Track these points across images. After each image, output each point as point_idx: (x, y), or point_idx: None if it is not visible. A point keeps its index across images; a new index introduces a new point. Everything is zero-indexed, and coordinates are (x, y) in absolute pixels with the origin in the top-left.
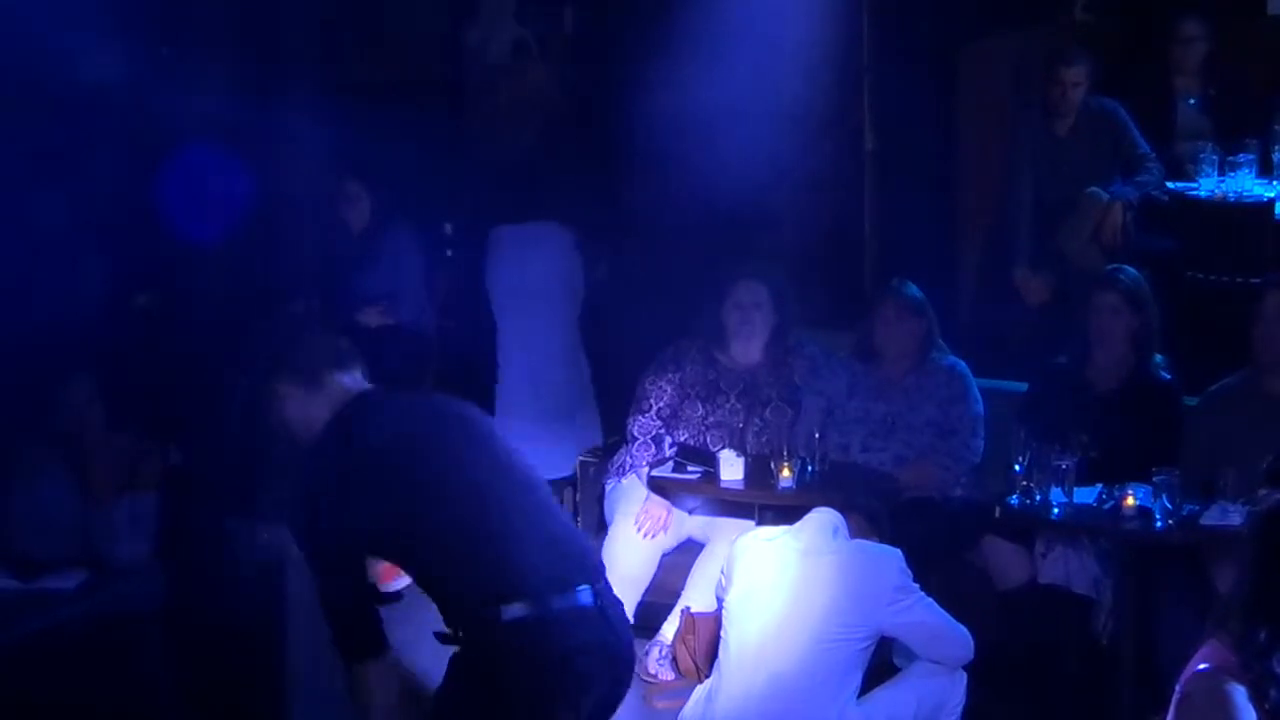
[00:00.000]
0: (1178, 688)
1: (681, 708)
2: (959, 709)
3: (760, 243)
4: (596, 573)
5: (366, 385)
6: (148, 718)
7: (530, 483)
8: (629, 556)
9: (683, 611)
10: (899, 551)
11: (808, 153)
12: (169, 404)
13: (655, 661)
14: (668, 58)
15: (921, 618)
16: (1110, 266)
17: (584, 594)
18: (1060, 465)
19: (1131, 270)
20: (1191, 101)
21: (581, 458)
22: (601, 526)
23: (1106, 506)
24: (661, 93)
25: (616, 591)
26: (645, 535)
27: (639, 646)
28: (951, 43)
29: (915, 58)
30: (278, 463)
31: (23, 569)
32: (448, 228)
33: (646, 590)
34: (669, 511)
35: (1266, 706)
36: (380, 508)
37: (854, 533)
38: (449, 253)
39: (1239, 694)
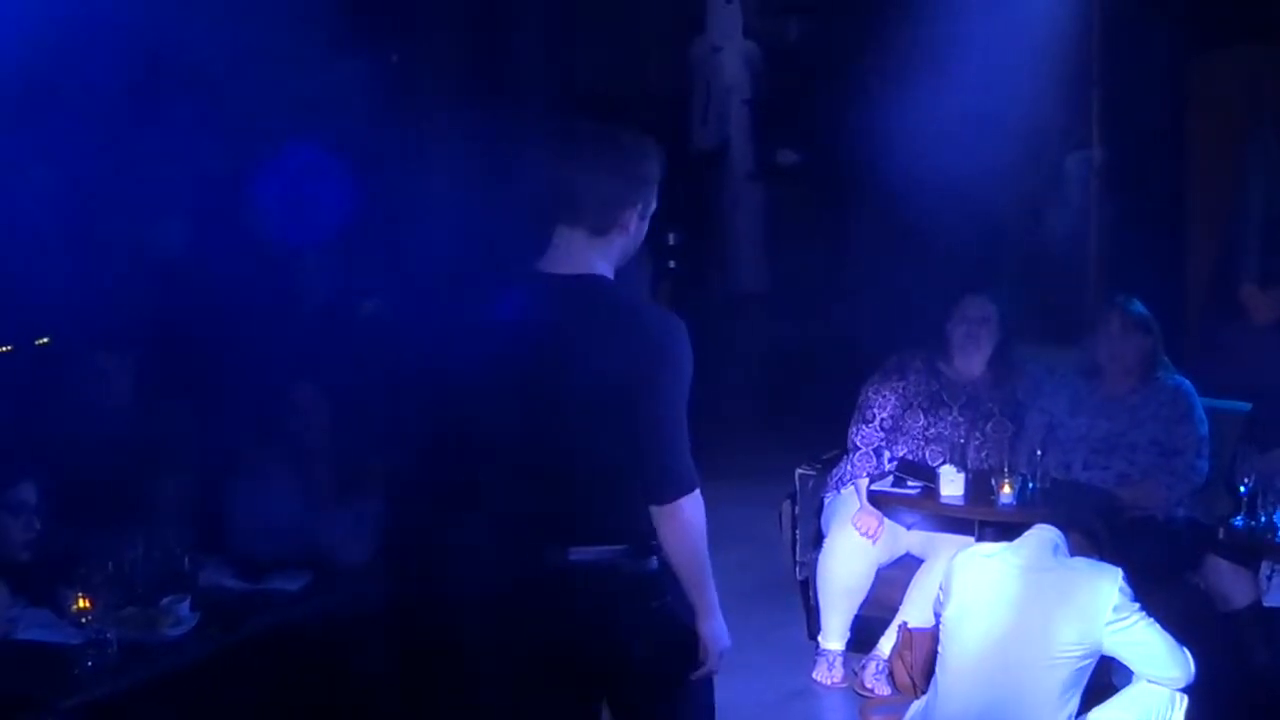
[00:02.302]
0: None
1: None
2: None
3: (985, 257)
4: None
5: None
6: (370, 717)
7: None
8: (845, 568)
9: (900, 626)
10: (1120, 570)
11: (1034, 166)
12: (390, 410)
13: (872, 676)
14: (892, 71)
15: (1141, 638)
16: None
17: None
18: None
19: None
20: None
21: (801, 470)
22: (819, 539)
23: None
24: (885, 106)
25: (830, 604)
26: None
27: (854, 660)
28: (1183, 55)
29: (1146, 70)
30: None
31: (249, 570)
32: (671, 238)
33: (863, 604)
34: (880, 522)
35: None
36: None
37: (1074, 550)
38: (671, 264)
39: None
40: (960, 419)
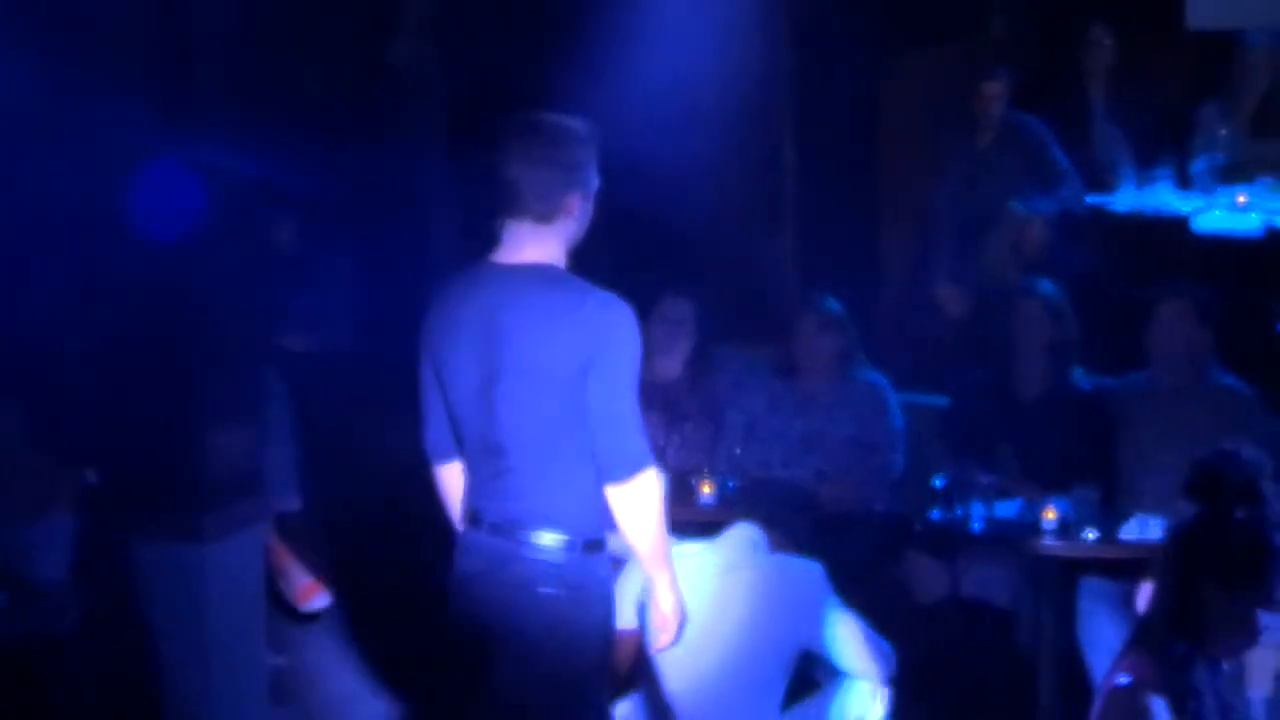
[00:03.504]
0: (1098, 700)
1: None
2: None
3: (681, 256)
4: None
5: None
6: None
7: None
8: None
9: None
10: (820, 566)
11: (727, 167)
12: (90, 427)
13: None
14: (584, 70)
15: (842, 632)
16: (1029, 278)
17: None
18: (981, 479)
19: (1048, 282)
20: (1108, 116)
21: None
22: None
23: (1027, 520)
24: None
25: None
26: None
27: None
28: (875, 54)
29: (836, 72)
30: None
31: None
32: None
33: None
34: None
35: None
36: None
37: (775, 547)
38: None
39: (1158, 706)
40: (658, 421)
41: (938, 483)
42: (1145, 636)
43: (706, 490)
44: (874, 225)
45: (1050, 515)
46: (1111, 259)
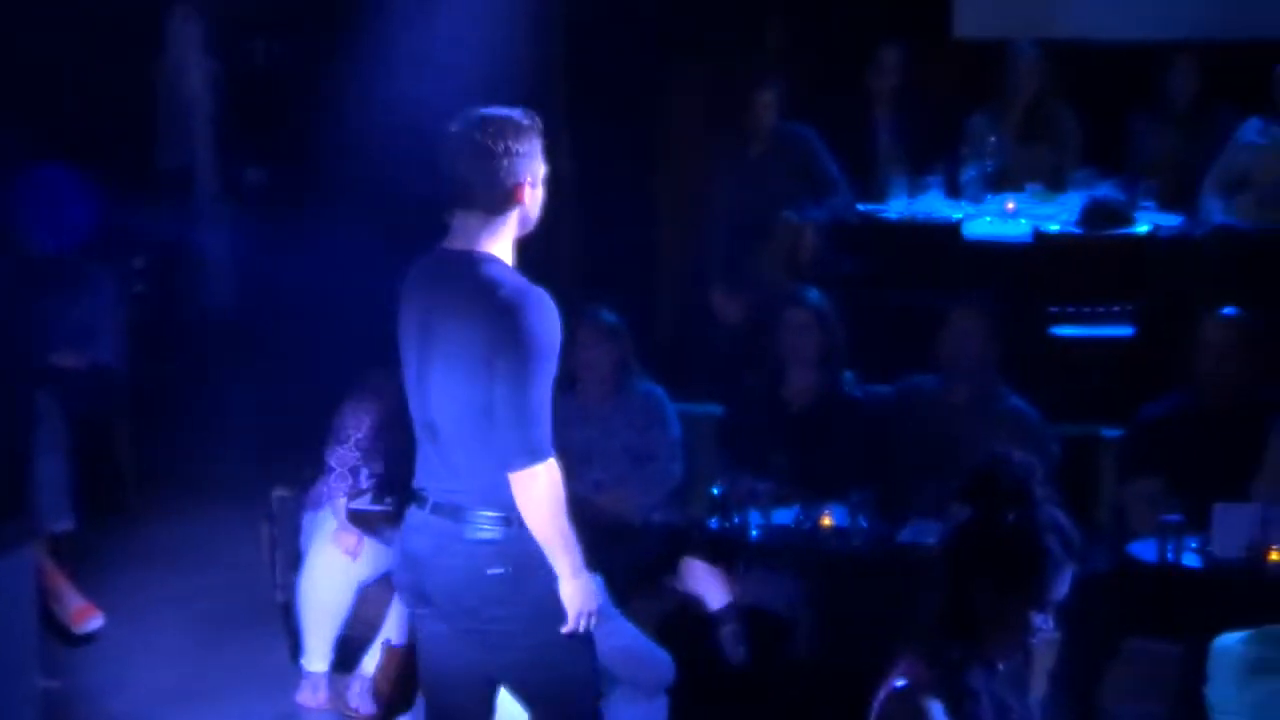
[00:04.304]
0: (875, 704)
1: None
2: None
3: None
4: None
5: None
6: None
7: None
8: (326, 588)
9: (384, 644)
10: (598, 577)
11: None
12: None
13: (357, 695)
14: (365, 84)
15: (621, 643)
16: (796, 287)
17: None
18: (757, 487)
19: (815, 291)
20: (882, 124)
21: (278, 492)
22: (298, 560)
23: (804, 527)
24: (361, 119)
25: (312, 625)
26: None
27: (339, 681)
28: (651, 67)
29: (614, 81)
30: None
31: None
32: (137, 262)
33: (345, 623)
34: (360, 539)
35: None
36: None
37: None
38: (140, 287)
39: (935, 709)
40: None
41: (715, 491)
42: (920, 639)
43: None
44: (651, 234)
45: (826, 522)
46: (884, 266)
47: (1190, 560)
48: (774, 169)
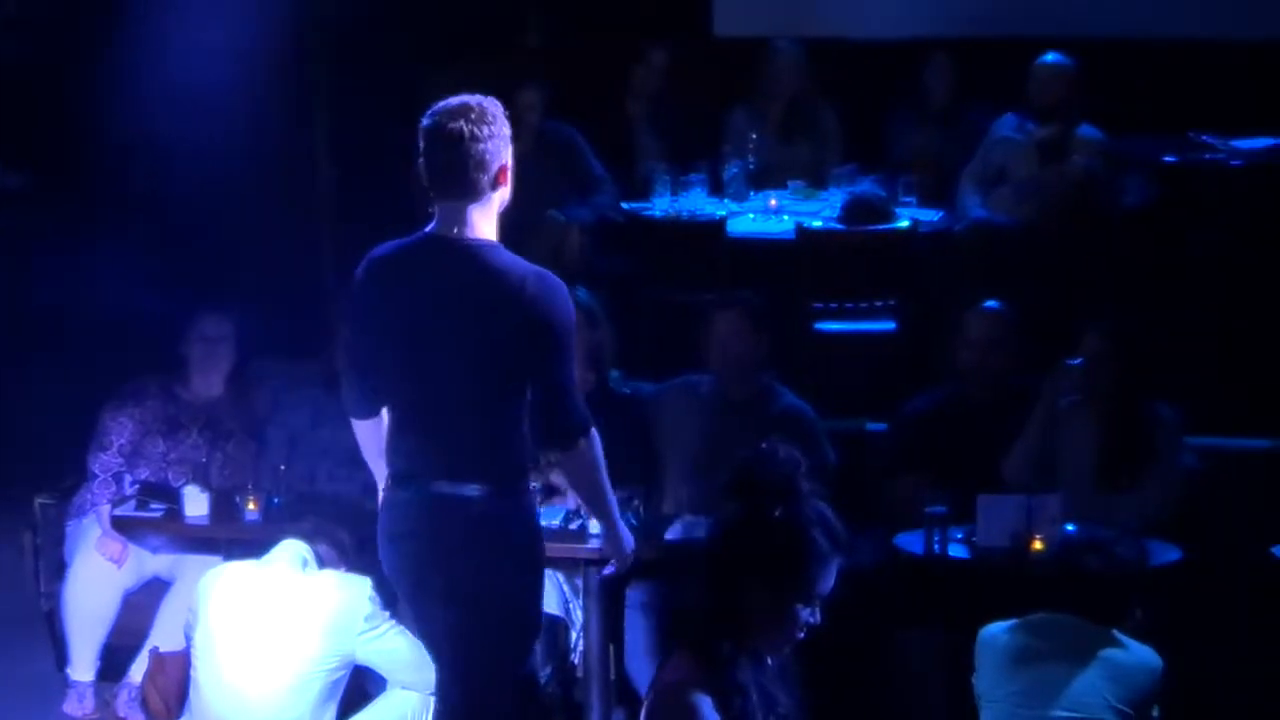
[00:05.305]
0: (646, 700)
1: None
2: None
3: (217, 271)
4: None
5: None
6: None
7: None
8: (91, 596)
9: (151, 651)
10: (369, 580)
11: (264, 181)
12: None
13: (124, 704)
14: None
15: (392, 645)
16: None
17: None
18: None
19: (583, 290)
20: (645, 122)
21: (40, 499)
22: (62, 568)
23: (573, 527)
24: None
25: (78, 633)
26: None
27: (106, 690)
28: (411, 68)
29: (373, 88)
30: None
31: None
32: None
33: (111, 631)
34: (125, 547)
35: (731, 715)
36: None
37: (324, 562)
38: None
39: (704, 704)
40: (200, 440)
41: None
42: (689, 635)
43: (252, 508)
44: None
45: (595, 522)
46: (650, 264)
47: (956, 551)
48: (538, 168)
